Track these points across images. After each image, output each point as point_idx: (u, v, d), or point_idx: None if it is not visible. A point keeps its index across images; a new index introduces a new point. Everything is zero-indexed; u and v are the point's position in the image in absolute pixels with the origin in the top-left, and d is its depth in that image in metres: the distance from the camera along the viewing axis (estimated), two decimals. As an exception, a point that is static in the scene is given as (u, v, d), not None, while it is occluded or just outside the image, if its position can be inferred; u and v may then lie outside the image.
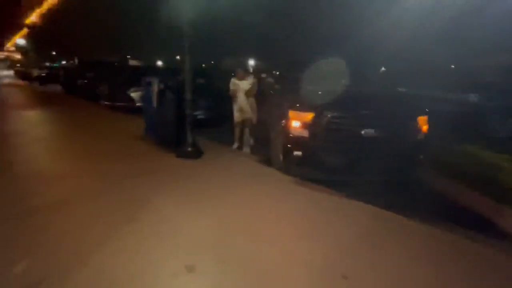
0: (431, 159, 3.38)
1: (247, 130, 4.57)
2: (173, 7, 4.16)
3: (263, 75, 5.38)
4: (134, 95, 7.43)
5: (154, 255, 1.83)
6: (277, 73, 5.17)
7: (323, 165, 2.95)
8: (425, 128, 2.99)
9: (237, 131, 4.59)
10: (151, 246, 1.92)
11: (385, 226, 2.30)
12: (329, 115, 2.85)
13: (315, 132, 2.90)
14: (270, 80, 5.25)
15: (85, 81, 10.60)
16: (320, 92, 3.41)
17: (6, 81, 21.09)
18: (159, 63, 23.79)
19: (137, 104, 7.19)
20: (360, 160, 2.91)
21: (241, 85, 4.44)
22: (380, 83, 4.28)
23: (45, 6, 11.97)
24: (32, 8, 12.61)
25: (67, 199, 2.57)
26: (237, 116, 4.52)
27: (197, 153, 3.94)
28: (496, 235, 2.34)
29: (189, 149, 3.90)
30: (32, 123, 6.44)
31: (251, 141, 4.62)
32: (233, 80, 4.53)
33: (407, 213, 2.45)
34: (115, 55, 22.20)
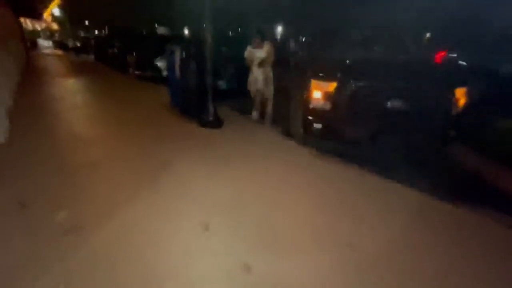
0: (467, 135, 3.12)
1: (268, 103, 4.37)
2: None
3: (290, 41, 5.01)
4: (160, 64, 7.56)
5: (174, 214, 1.98)
6: (303, 39, 4.84)
7: (345, 139, 2.86)
8: (462, 101, 2.72)
9: (256, 101, 4.43)
10: (171, 205, 2.08)
11: (405, 203, 2.24)
12: (352, 85, 2.69)
13: (337, 103, 2.78)
14: (294, 46, 4.89)
15: (115, 50, 10.89)
16: (347, 61, 3.20)
17: (46, 51, 22.38)
18: (186, 31, 23.57)
19: (163, 73, 7.36)
20: (383, 134, 2.77)
21: (256, 54, 4.14)
22: (418, 49, 3.89)
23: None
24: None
25: (99, 160, 2.80)
26: (251, 87, 4.33)
27: (218, 123, 4.01)
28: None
29: (211, 118, 3.98)
30: (67, 90, 6.89)
31: (269, 116, 4.36)
32: (249, 48, 4.23)
33: (426, 190, 2.35)
34: (143, 23, 22.33)
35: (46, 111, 4.72)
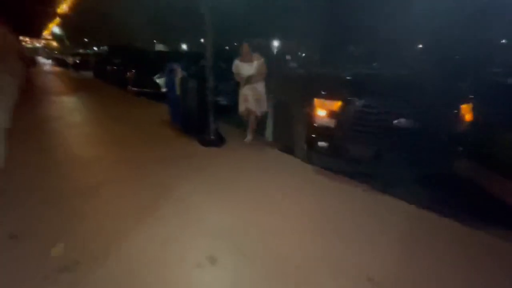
0: (474, 151, 3.06)
1: (252, 119, 3.92)
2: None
3: (287, 57, 4.99)
4: (160, 81, 7.58)
5: (178, 246, 1.87)
6: (303, 55, 4.84)
7: (350, 157, 2.79)
8: (468, 117, 2.68)
9: (249, 121, 3.97)
10: (175, 236, 1.97)
11: (420, 225, 2.15)
12: (357, 103, 2.65)
13: (342, 121, 2.73)
14: (291, 61, 4.86)
15: (114, 67, 10.97)
16: (348, 78, 3.18)
17: (46, 68, 22.54)
18: (184, 47, 23.95)
19: (162, 90, 7.36)
20: (390, 152, 2.71)
21: (244, 69, 3.68)
22: (418, 64, 3.90)
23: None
24: (63, -3, 13.33)
25: (98, 186, 2.70)
26: (240, 106, 3.90)
27: (219, 141, 3.94)
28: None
29: (212, 137, 3.91)
30: (66, 108, 6.84)
31: (270, 132, 3.98)
32: (236, 62, 3.77)
33: (437, 209, 2.26)
34: (141, 40, 22.69)
35: (44, 131, 4.64)
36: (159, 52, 14.47)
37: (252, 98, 3.83)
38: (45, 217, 2.18)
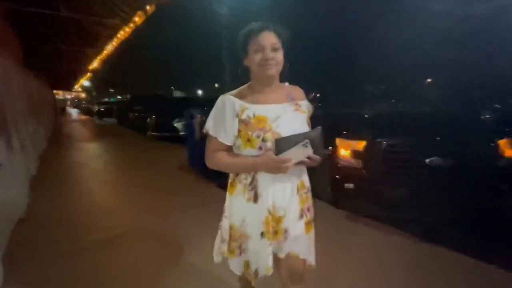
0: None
1: None
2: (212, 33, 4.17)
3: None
4: (178, 125, 7.91)
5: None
6: (317, 95, 4.92)
7: (381, 199, 2.61)
8: (508, 151, 2.50)
9: None
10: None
11: (470, 276, 1.87)
12: (384, 142, 2.55)
13: (369, 162, 2.61)
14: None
15: (136, 113, 11.62)
16: (369, 116, 3.14)
17: (74, 117, 24.32)
18: (200, 92, 25.45)
19: (180, 133, 7.63)
20: (425, 194, 2.51)
21: None
22: (437, 98, 3.84)
23: (104, 53, 14.02)
24: (95, 56, 14.91)
25: (119, 236, 2.62)
26: None
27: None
28: None
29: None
30: (90, 154, 7.12)
31: None
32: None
33: (485, 257, 1.98)
34: (161, 87, 24.43)
35: (67, 178, 4.76)
36: (177, 98, 15.37)
37: None
38: (64, 275, 2.08)
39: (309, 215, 1.19)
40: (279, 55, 1.04)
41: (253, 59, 1.04)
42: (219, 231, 1.29)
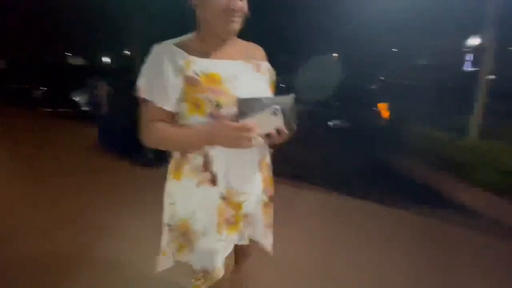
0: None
1: None
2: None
3: None
4: (78, 98, 6.67)
5: None
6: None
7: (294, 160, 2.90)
8: (385, 114, 3.12)
9: None
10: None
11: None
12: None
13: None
14: None
15: (17, 85, 9.19)
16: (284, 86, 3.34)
17: None
18: (106, 60, 21.60)
19: (82, 108, 6.49)
20: (330, 152, 2.93)
21: None
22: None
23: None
24: None
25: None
26: None
27: (160, 160, 3.65)
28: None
29: (150, 156, 3.60)
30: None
31: None
32: None
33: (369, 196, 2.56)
34: (50, 51, 19.47)
35: None
36: (75, 65, 12.73)
37: None
38: None
39: (269, 195, 1.00)
40: (245, 4, 0.79)
41: (212, 2, 0.75)
42: (164, 228, 0.97)
